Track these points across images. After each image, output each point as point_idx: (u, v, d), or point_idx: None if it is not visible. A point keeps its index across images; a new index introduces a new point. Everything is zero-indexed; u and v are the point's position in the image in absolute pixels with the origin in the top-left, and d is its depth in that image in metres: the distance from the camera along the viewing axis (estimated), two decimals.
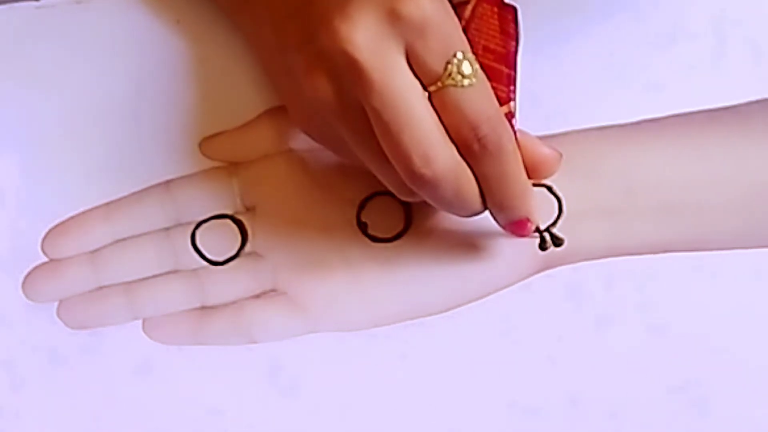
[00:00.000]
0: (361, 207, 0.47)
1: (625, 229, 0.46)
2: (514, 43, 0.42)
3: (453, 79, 0.39)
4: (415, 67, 0.39)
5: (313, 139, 0.44)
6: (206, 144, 0.48)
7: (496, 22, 0.42)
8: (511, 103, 0.42)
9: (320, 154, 0.47)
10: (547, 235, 0.45)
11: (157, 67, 0.49)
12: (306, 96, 0.41)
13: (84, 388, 0.46)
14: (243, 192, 0.47)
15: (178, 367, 0.46)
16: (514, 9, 0.42)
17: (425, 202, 0.46)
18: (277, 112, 0.48)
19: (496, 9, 0.42)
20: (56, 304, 0.47)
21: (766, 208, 0.46)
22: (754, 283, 0.45)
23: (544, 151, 0.42)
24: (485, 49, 0.41)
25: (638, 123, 0.47)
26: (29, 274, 0.47)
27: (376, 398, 0.45)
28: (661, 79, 0.47)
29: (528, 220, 0.42)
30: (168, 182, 0.48)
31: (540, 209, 0.45)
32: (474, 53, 0.40)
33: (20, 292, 0.47)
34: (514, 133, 0.41)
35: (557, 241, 0.45)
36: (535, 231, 0.43)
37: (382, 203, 0.47)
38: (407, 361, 0.45)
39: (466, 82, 0.39)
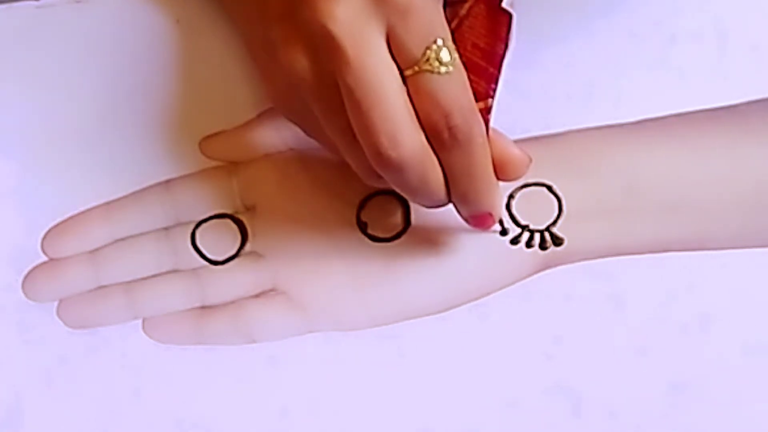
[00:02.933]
0: (361, 207, 0.47)
1: (625, 229, 0.46)
2: (503, 46, 0.42)
3: (430, 64, 0.39)
4: (394, 50, 0.39)
5: (285, 115, 0.44)
6: (206, 144, 0.48)
7: (490, 24, 0.42)
8: (489, 100, 0.42)
9: (320, 153, 0.47)
10: (547, 235, 0.45)
11: (156, 66, 0.49)
12: (282, 69, 0.41)
13: (84, 388, 0.46)
14: (243, 191, 0.47)
15: (177, 367, 0.46)
16: (510, 15, 0.42)
17: None
18: (278, 112, 0.48)
19: (491, 12, 0.42)
20: (56, 303, 0.47)
21: (766, 208, 0.46)
22: (753, 283, 0.45)
23: (515, 152, 0.42)
24: (474, 46, 0.41)
25: (638, 123, 0.47)
26: (29, 273, 0.47)
27: (375, 398, 0.45)
28: (662, 79, 0.48)
29: (490, 214, 0.42)
30: (168, 182, 0.48)
31: (540, 209, 0.45)
32: (463, 48, 0.40)
33: (20, 291, 0.47)
34: (487, 129, 0.41)
35: (557, 241, 0.45)
36: (501, 232, 0.44)
37: (381, 203, 0.47)
38: (406, 360, 0.45)
39: (443, 69, 0.39)
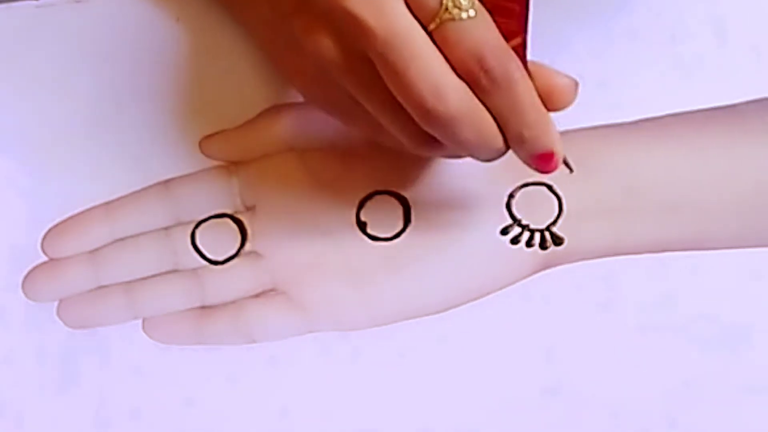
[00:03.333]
0: (361, 206, 0.47)
1: (625, 229, 0.46)
2: None
3: (450, 12, 0.38)
4: (413, 9, 0.38)
5: (319, 106, 0.43)
6: (206, 143, 0.48)
7: None
8: (520, 37, 0.40)
9: (320, 153, 0.47)
10: (547, 235, 0.45)
11: (156, 66, 0.49)
12: (309, 58, 0.40)
13: (84, 388, 0.46)
14: (243, 191, 0.47)
15: (177, 367, 0.46)
16: None
17: (425, 202, 0.46)
18: (277, 112, 0.48)
19: None
20: (56, 303, 0.47)
21: (765, 208, 0.46)
22: (753, 283, 0.45)
23: (560, 79, 0.41)
24: None
25: (638, 123, 0.47)
26: (29, 273, 0.47)
27: (375, 398, 0.45)
28: (662, 79, 0.48)
29: (552, 152, 0.40)
30: (168, 181, 0.48)
31: (540, 209, 0.45)
32: None
33: (20, 291, 0.47)
34: (525, 63, 0.40)
35: (557, 240, 0.45)
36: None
37: (381, 203, 0.47)
38: (406, 360, 0.45)
39: (464, 15, 0.38)
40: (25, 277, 0.47)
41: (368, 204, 0.47)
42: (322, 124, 0.45)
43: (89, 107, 0.48)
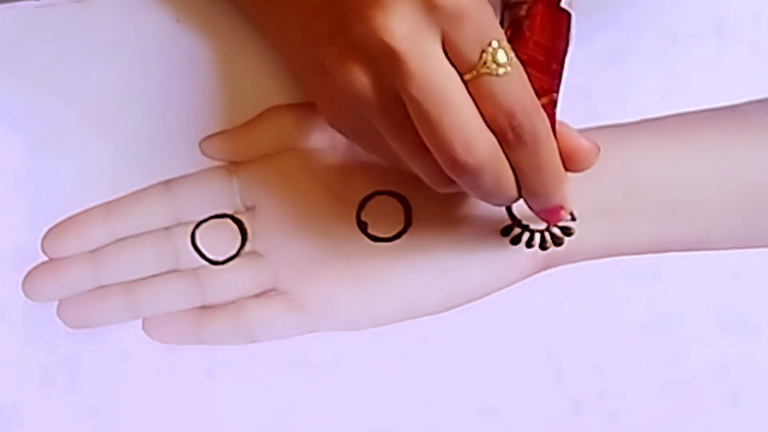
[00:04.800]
0: (361, 207, 0.47)
1: (625, 229, 0.46)
2: (564, 43, 0.42)
3: (488, 67, 0.39)
4: (450, 56, 0.39)
5: (345, 134, 0.43)
6: (206, 143, 0.48)
7: (550, 23, 0.41)
8: (554, 95, 0.41)
9: (321, 153, 0.47)
10: (547, 235, 0.45)
11: (156, 66, 0.49)
12: (339, 88, 0.40)
13: (84, 388, 0.46)
14: (243, 191, 0.47)
15: (177, 367, 0.46)
16: (569, 15, 0.42)
17: (425, 202, 0.46)
18: (278, 112, 0.48)
19: (551, 11, 0.42)
20: (56, 303, 0.47)
21: (766, 208, 0.46)
22: (753, 283, 0.45)
23: (582, 142, 0.42)
24: (535, 44, 0.41)
25: (638, 123, 0.47)
26: (29, 273, 0.47)
27: (375, 398, 0.45)
28: (662, 78, 0.48)
29: (561, 207, 0.42)
30: (168, 182, 0.48)
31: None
32: (524, 47, 0.40)
33: (20, 291, 0.47)
34: (553, 123, 0.41)
35: (557, 241, 0.45)
36: (571, 220, 0.44)
37: (382, 203, 0.47)
38: (406, 360, 0.45)
39: (501, 70, 0.39)
40: (25, 277, 0.47)
41: (369, 204, 0.47)
42: (322, 124, 0.45)
43: (89, 107, 0.48)
